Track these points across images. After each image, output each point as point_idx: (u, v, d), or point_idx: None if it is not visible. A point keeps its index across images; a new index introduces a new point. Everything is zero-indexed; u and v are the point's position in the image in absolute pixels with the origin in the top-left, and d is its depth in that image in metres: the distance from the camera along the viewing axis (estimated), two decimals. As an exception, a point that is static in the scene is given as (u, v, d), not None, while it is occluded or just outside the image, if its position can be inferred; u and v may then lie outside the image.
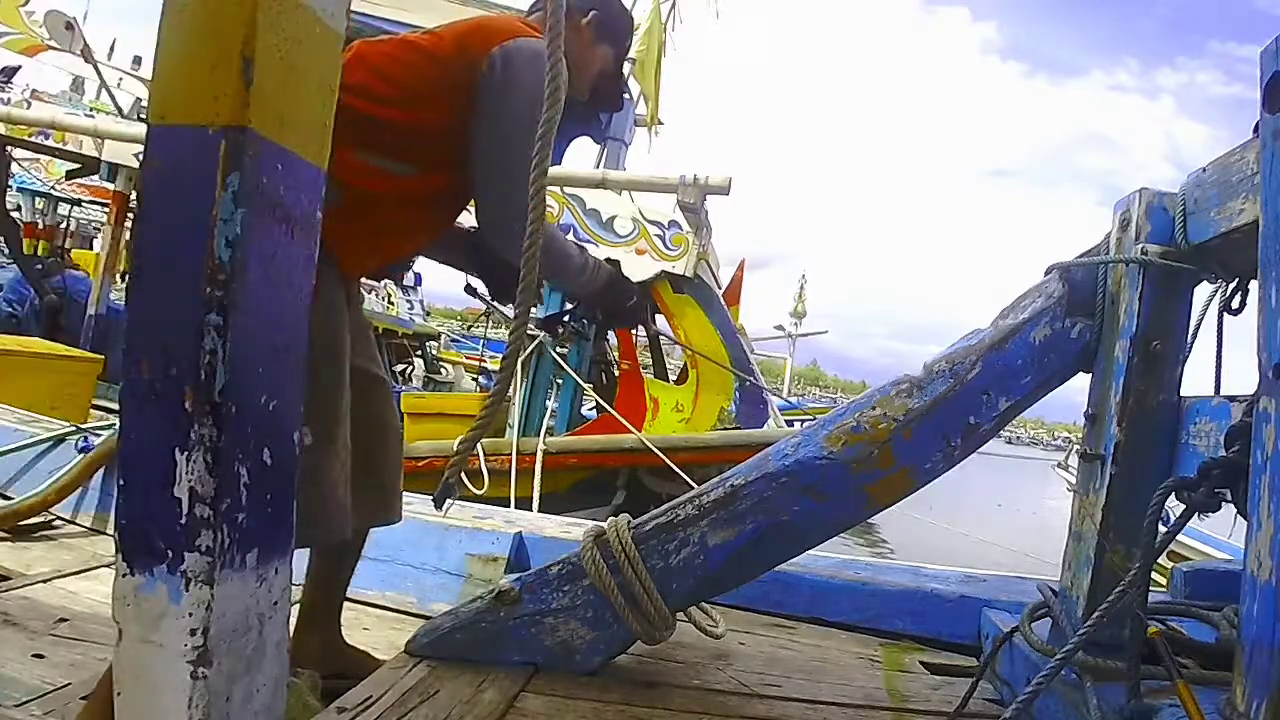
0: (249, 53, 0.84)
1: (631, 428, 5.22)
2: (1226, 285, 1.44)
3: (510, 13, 2.13)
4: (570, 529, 2.32)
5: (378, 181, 1.50)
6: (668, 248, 5.65)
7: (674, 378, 6.75)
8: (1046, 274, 1.62)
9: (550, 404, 5.98)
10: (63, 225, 12.82)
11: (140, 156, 6.04)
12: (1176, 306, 1.43)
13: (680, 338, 5.76)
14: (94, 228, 14.44)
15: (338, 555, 1.74)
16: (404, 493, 1.79)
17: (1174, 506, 1.20)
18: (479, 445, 2.98)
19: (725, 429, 5.58)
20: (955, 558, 7.22)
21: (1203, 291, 1.47)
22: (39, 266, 7.91)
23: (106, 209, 7.95)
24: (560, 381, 6.08)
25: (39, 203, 12.01)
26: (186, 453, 0.86)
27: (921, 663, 1.89)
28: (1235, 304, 1.42)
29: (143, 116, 7.14)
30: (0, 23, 8.54)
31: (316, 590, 1.74)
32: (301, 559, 1.37)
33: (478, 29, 1.57)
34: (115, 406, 1.36)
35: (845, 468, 1.51)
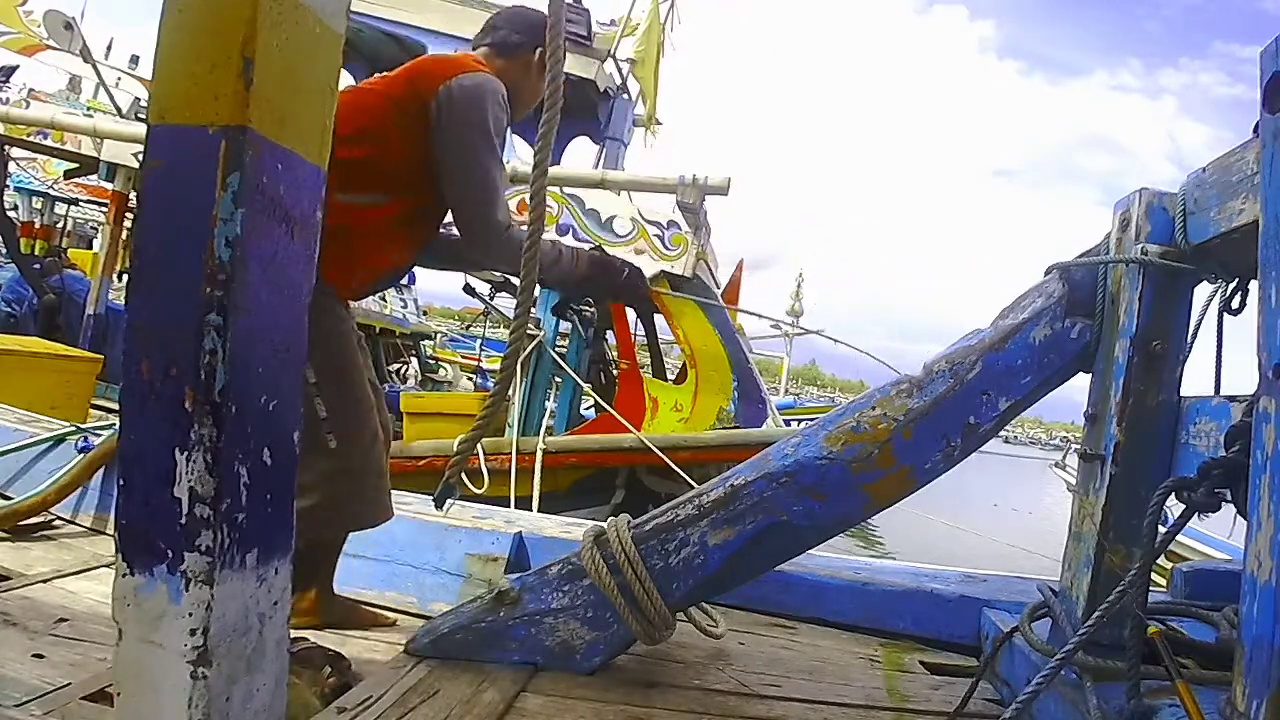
0: (249, 53, 0.84)
1: (631, 427, 5.22)
2: (1226, 285, 1.44)
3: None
4: (570, 529, 2.32)
5: (348, 216, 1.61)
6: (666, 248, 5.64)
7: (673, 377, 6.74)
8: (1046, 274, 1.62)
9: (549, 404, 5.98)
10: (60, 225, 12.79)
11: (139, 156, 6.03)
12: (1176, 306, 1.43)
13: (679, 338, 5.76)
14: (91, 227, 14.41)
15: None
16: (404, 492, 1.92)
17: (1174, 506, 1.20)
18: (479, 445, 2.99)
19: (724, 429, 5.58)
20: (954, 550, 7.21)
21: (1203, 291, 1.47)
22: (37, 266, 7.87)
23: (104, 209, 7.92)
24: (559, 381, 6.08)
25: (36, 202, 11.97)
26: (186, 453, 0.86)
27: (921, 663, 1.89)
28: (1235, 304, 1.42)
29: (141, 116, 7.12)
30: (-2, 22, 8.50)
31: (308, 559, 1.79)
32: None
33: (428, 67, 1.75)
34: (115, 406, 1.36)
35: (845, 468, 1.51)
